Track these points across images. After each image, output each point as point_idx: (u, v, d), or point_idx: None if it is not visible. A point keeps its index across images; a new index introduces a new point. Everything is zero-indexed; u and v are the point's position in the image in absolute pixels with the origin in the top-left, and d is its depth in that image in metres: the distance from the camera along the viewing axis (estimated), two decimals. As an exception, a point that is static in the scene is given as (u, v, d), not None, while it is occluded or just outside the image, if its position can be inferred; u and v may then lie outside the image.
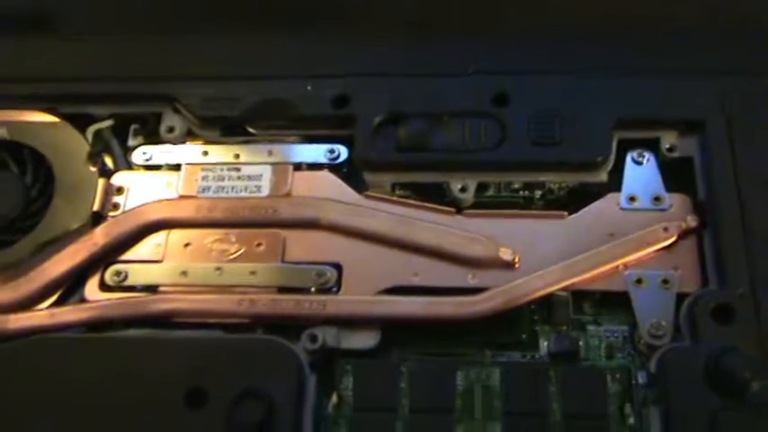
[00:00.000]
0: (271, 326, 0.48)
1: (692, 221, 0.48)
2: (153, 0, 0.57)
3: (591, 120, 0.50)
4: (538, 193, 0.52)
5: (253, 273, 0.49)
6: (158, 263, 0.50)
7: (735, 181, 0.47)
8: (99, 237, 0.51)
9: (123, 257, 0.51)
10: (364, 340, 0.47)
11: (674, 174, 0.50)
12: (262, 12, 0.56)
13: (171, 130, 0.55)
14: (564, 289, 0.47)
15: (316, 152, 0.53)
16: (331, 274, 0.49)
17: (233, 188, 0.52)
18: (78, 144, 0.54)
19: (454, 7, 0.55)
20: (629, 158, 0.51)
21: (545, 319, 0.48)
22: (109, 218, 0.52)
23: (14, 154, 0.55)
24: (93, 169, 0.53)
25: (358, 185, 0.52)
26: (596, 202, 0.50)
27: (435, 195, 0.51)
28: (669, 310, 0.46)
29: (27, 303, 0.50)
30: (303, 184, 0.52)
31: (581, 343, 0.47)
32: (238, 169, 0.53)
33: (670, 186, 0.50)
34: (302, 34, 0.55)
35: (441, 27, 0.55)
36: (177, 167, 0.53)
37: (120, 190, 0.53)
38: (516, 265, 0.48)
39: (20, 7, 0.57)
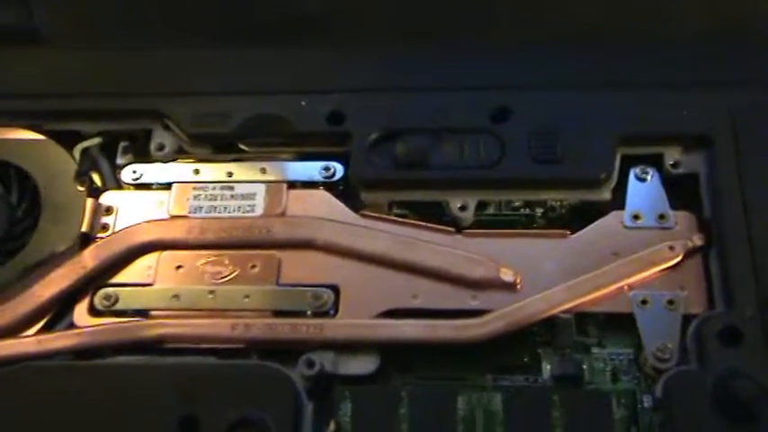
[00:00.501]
0: (266, 351, 0.47)
1: (697, 240, 0.47)
2: (142, 13, 0.56)
3: (593, 136, 0.49)
4: (539, 212, 0.51)
5: (247, 296, 0.48)
6: (149, 286, 0.49)
7: (742, 199, 0.46)
8: (88, 259, 0.49)
9: (113, 280, 0.50)
10: (363, 365, 0.46)
11: (679, 191, 0.49)
12: (255, 26, 0.55)
13: (161, 147, 0.53)
14: (567, 311, 0.46)
15: (310, 170, 0.52)
16: (328, 296, 0.48)
17: (225, 208, 0.51)
18: (65, 162, 0.53)
19: (451, 21, 0.54)
20: (632, 175, 0.50)
21: (548, 341, 0.47)
22: (98, 239, 0.51)
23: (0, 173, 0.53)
24: (80, 189, 0.52)
25: (354, 204, 0.51)
26: (599, 221, 0.49)
27: (434, 214, 0.50)
28: (675, 332, 0.45)
29: (13, 329, 0.48)
30: (298, 202, 0.51)
31: (585, 366, 0.46)
32: (231, 188, 0.52)
33: (675, 204, 0.49)
34: (296, 49, 0.54)
35: (438, 41, 0.54)
36: (168, 186, 0.52)
37: (108, 210, 0.52)
38: (518, 287, 0.47)
39: (3, 20, 0.56)
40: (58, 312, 0.49)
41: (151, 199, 0.52)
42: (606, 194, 0.49)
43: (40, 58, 0.55)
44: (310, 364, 0.46)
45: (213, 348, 0.47)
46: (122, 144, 0.54)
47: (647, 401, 0.44)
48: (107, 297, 0.49)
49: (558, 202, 0.50)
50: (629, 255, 0.47)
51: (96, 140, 0.54)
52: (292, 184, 0.51)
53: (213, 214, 0.51)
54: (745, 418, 0.41)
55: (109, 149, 0.54)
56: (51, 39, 0.56)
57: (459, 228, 0.50)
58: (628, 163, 0.50)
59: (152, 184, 0.53)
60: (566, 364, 0.46)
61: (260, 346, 0.47)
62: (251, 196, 0.51)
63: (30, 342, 0.48)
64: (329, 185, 0.51)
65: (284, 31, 0.54)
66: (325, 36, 0.55)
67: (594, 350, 0.47)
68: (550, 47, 0.52)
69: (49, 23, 0.55)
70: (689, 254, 0.47)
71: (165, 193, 0.52)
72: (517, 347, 0.47)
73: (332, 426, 0.45)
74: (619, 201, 0.49)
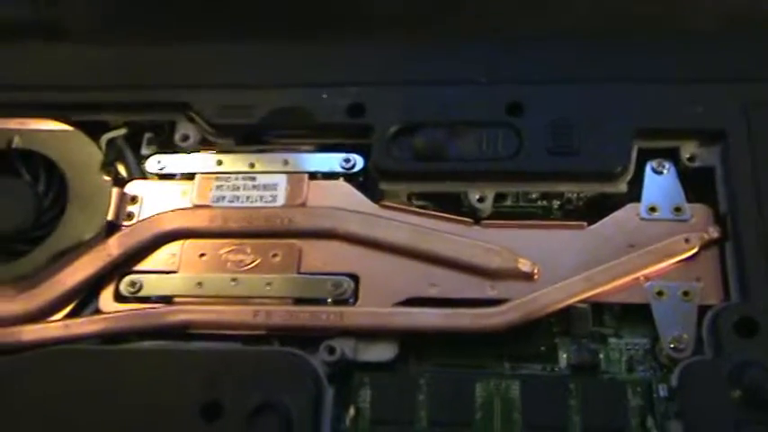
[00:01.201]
0: (287, 337, 0.48)
1: (713, 233, 0.47)
2: (167, 7, 0.57)
3: (609, 129, 0.50)
4: (556, 204, 0.51)
5: (269, 284, 0.49)
6: (173, 273, 0.50)
7: (757, 191, 0.47)
8: (113, 247, 0.50)
9: (138, 268, 0.50)
10: (382, 352, 0.47)
11: (695, 184, 0.50)
12: (277, 19, 0.55)
13: (185, 138, 0.54)
14: (584, 301, 0.47)
15: (331, 161, 0.53)
16: (348, 285, 0.49)
17: (248, 198, 0.52)
18: (92, 153, 0.54)
19: (469, 16, 0.54)
20: (648, 168, 0.50)
21: (565, 330, 0.48)
22: (123, 228, 0.52)
23: (27, 162, 0.54)
24: (106, 178, 0.53)
25: (374, 195, 0.52)
26: (616, 213, 0.49)
27: (452, 205, 0.51)
28: (691, 322, 0.46)
29: (41, 315, 0.49)
30: (319, 193, 0.52)
31: (601, 355, 0.47)
32: (253, 179, 0.52)
33: (691, 196, 0.49)
34: (317, 42, 0.55)
35: (456, 35, 0.54)
36: (191, 177, 0.53)
37: (134, 199, 0.53)
38: (535, 277, 0.48)
39: (32, 15, 0.57)
40: (84, 298, 0.50)
41: (175, 189, 0.53)
42: (623, 187, 0.50)
43: (68, 51, 0.56)
44: (331, 351, 0.46)
45: (236, 335, 0.48)
46: (147, 135, 0.55)
47: (662, 391, 0.45)
48: (132, 284, 0.50)
49: (575, 194, 0.51)
50: (645, 246, 0.47)
51: (122, 131, 0.55)
52: (313, 175, 0.52)
53: (236, 204, 0.52)
54: (761, 408, 0.42)
55: (134, 140, 0.55)
56: (79, 34, 0.57)
57: (477, 219, 0.50)
58: (644, 156, 0.50)
59: (176, 175, 0.53)
60: (582, 354, 0.47)
61: (281, 333, 0.48)
62: (273, 187, 0.52)
63: (57, 327, 0.49)
64: (349, 176, 0.52)
65: (306, 25, 0.55)
66: (345, 30, 0.55)
67: (611, 340, 0.47)
68: (567, 41, 0.53)
69: (77, 19, 0.56)
70: (705, 246, 0.47)
71: (188, 183, 0.53)
72: (534, 336, 0.47)
73: (351, 411, 0.45)
74: (635, 193, 0.50)
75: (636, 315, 0.47)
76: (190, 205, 0.52)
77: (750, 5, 0.53)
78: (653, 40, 0.52)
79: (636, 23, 0.53)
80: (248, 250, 0.50)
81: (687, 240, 0.47)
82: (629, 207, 0.49)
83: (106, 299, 0.50)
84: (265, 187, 0.52)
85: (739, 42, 0.52)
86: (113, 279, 0.50)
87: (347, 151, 0.53)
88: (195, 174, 0.53)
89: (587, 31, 0.53)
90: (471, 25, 0.55)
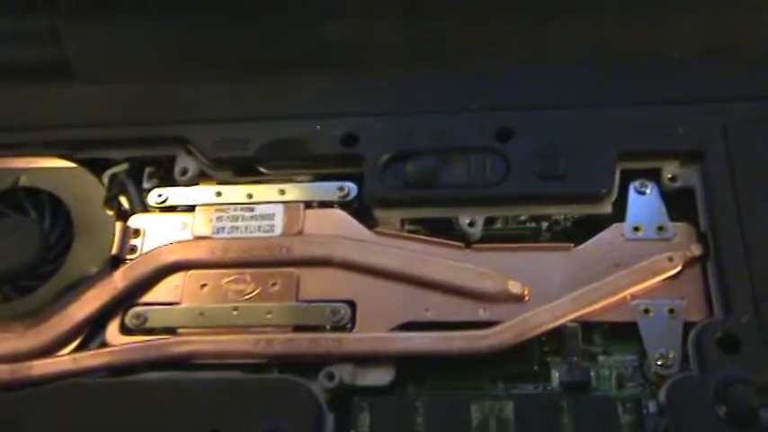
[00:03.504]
0: (287, 364, 0.49)
1: (695, 250, 0.49)
2: (165, 47, 0.58)
3: (593, 152, 0.51)
4: (544, 225, 0.53)
5: (269, 312, 0.50)
6: (176, 305, 0.52)
7: (736, 210, 0.48)
8: (118, 280, 0.52)
9: (142, 300, 0.52)
10: (380, 376, 0.48)
11: (678, 203, 0.51)
12: (271, 57, 0.57)
13: (184, 172, 0.56)
14: (573, 321, 0.48)
15: (326, 190, 0.54)
16: (345, 311, 0.50)
17: (246, 228, 0.54)
18: (95, 188, 0.55)
19: (457, 46, 0.56)
20: (631, 189, 0.51)
21: (556, 350, 0.49)
22: (127, 261, 0.53)
23: (33, 200, 0.56)
24: (110, 212, 0.55)
25: (368, 222, 0.53)
26: (601, 233, 0.51)
27: (444, 230, 0.52)
28: (677, 339, 0.47)
29: (50, 349, 0.51)
30: (315, 221, 0.53)
31: (592, 373, 0.48)
32: (251, 209, 0.54)
33: (674, 215, 0.51)
34: (310, 76, 0.56)
35: (444, 66, 0.56)
36: (192, 209, 0.55)
37: (137, 232, 0.54)
38: (526, 298, 0.49)
39: (37, 56, 0.59)
40: (91, 332, 0.52)
41: (176, 221, 0.54)
42: (607, 208, 0.51)
43: (71, 92, 0.58)
44: (330, 377, 0.48)
45: (238, 363, 0.49)
46: (148, 169, 0.57)
47: (651, 407, 0.46)
48: (137, 316, 0.51)
49: (562, 216, 0.52)
50: (630, 266, 0.49)
51: (123, 166, 0.56)
52: (309, 204, 0.54)
53: (235, 234, 0.53)
54: (746, 422, 0.43)
55: (135, 175, 0.57)
56: (81, 74, 0.58)
57: (468, 242, 0.51)
58: (627, 177, 0.52)
59: (176, 207, 0.55)
60: (573, 372, 0.48)
61: (282, 360, 0.49)
62: (270, 216, 0.54)
63: (66, 360, 0.50)
64: (344, 204, 0.54)
65: (298, 60, 0.56)
66: (337, 64, 0.57)
67: (600, 358, 0.49)
68: (551, 69, 0.54)
69: (80, 61, 0.58)
70: (688, 264, 0.49)
71: (189, 215, 0.54)
72: (526, 357, 0.49)
73: (352, 436, 0.47)
74: (619, 213, 0.51)
75: (624, 333, 0.48)
76: (191, 237, 0.54)
77: (727, 32, 0.54)
78: (633, 66, 0.54)
79: (618, 50, 0.55)
80: (248, 279, 0.52)
81: (671, 259, 0.49)
82: (615, 227, 0.51)
83: (113, 332, 0.51)
84: (263, 217, 0.54)
85: (716, 65, 0.53)
86: (119, 312, 0.52)
87: (341, 180, 0.54)
88: (195, 206, 0.55)
89: (571, 58, 0.55)
90: (458, 58, 0.56)
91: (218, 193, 0.55)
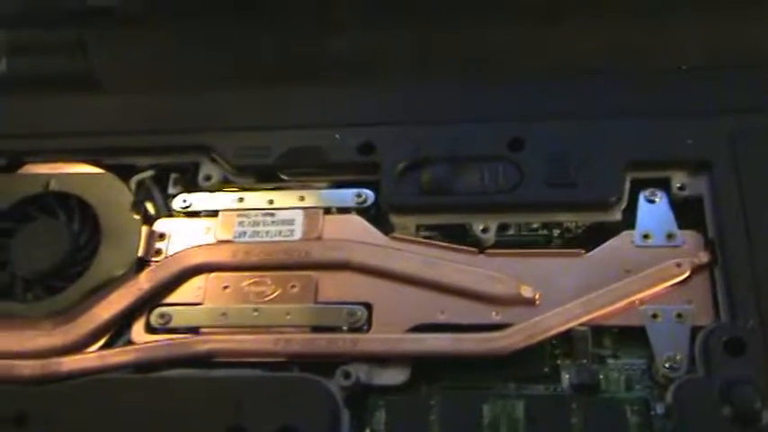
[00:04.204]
0: (306, 364, 0.50)
1: (703, 257, 0.50)
2: (189, 58, 0.61)
3: (604, 161, 0.53)
4: (556, 232, 0.54)
5: (288, 313, 0.52)
6: (199, 305, 0.53)
7: (743, 218, 0.49)
8: (144, 282, 0.54)
9: (167, 300, 0.54)
10: (395, 376, 0.49)
11: (686, 211, 0.52)
12: (291, 67, 0.59)
13: (208, 178, 0.58)
14: (583, 324, 0.49)
15: (344, 197, 0.56)
16: (361, 313, 0.51)
17: (267, 232, 0.55)
18: (122, 193, 0.57)
19: (471, 58, 0.58)
20: (641, 198, 0.53)
21: (566, 353, 0.50)
22: (152, 263, 0.55)
23: (63, 204, 0.58)
24: (136, 217, 0.56)
25: (385, 227, 0.54)
26: (611, 240, 0.52)
27: (458, 236, 0.54)
28: (684, 343, 0.48)
29: (78, 347, 0.53)
30: (333, 227, 0.55)
31: (601, 376, 0.49)
32: (272, 214, 0.56)
33: (683, 223, 0.52)
34: (329, 86, 0.58)
35: (458, 77, 0.58)
36: (215, 214, 0.56)
37: (162, 236, 0.56)
38: (537, 302, 0.50)
39: (66, 67, 0.61)
40: (117, 330, 0.53)
41: (199, 225, 0.56)
42: (617, 216, 0.52)
43: (99, 101, 0.60)
44: (347, 376, 0.49)
45: (258, 362, 0.51)
46: (173, 176, 0.58)
47: (659, 409, 0.47)
48: (162, 316, 0.53)
49: (574, 224, 0.53)
50: (640, 272, 0.50)
51: (150, 173, 0.58)
52: (328, 210, 0.55)
53: (256, 239, 0.55)
54: (750, 423, 0.44)
55: (161, 181, 0.58)
56: (109, 84, 0.61)
57: (481, 248, 0.53)
58: (637, 186, 0.53)
59: (200, 212, 0.57)
60: (583, 374, 0.49)
61: (300, 360, 0.50)
62: (290, 221, 0.55)
63: (92, 358, 0.52)
64: (361, 210, 0.55)
65: (318, 71, 0.58)
66: (355, 74, 0.59)
67: (609, 361, 0.50)
68: (564, 80, 0.56)
69: (107, 70, 0.60)
70: (696, 270, 0.50)
71: (212, 220, 0.56)
72: (537, 359, 0.50)
73: (367, 433, 0.48)
74: (629, 221, 0.52)
75: (632, 337, 0.49)
76: (214, 241, 0.55)
77: (733, 44, 0.56)
78: (643, 76, 0.55)
79: (628, 61, 0.56)
80: (268, 282, 0.53)
81: (679, 265, 0.50)
82: (624, 234, 0.52)
83: (138, 330, 0.53)
84: (283, 222, 0.55)
85: (725, 76, 0.54)
86: (144, 312, 0.53)
87: (359, 187, 0.56)
88: (218, 211, 0.56)
89: (583, 69, 0.56)
90: (473, 68, 0.58)
91: (241, 199, 0.57)
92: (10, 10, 0.62)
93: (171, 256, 0.55)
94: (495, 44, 0.58)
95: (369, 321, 0.51)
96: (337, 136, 0.56)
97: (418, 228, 0.54)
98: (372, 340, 0.50)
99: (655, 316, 0.49)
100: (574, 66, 0.57)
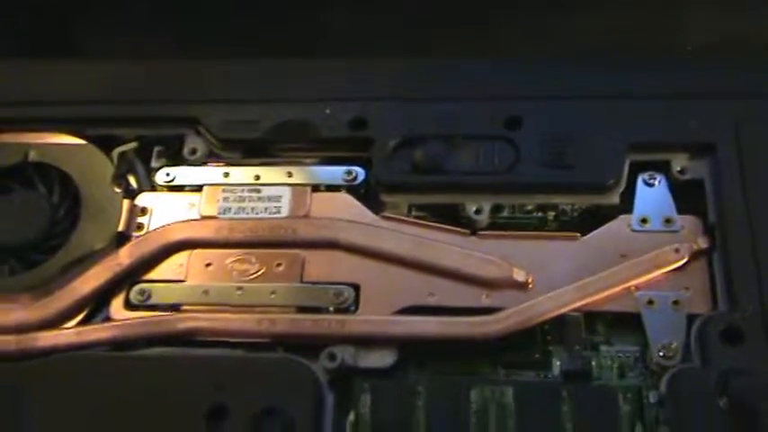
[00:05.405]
0: (290, 345, 0.49)
1: (702, 243, 0.49)
2: (176, 26, 0.59)
3: (602, 143, 0.51)
4: (551, 215, 0.53)
5: (273, 293, 0.51)
6: (181, 282, 0.52)
7: (745, 204, 0.48)
8: (124, 257, 0.52)
9: (147, 277, 0.52)
10: (381, 359, 0.48)
11: (686, 196, 0.51)
12: (282, 38, 0.57)
13: (193, 151, 0.56)
14: (576, 310, 0.48)
15: (334, 174, 0.54)
16: (349, 294, 0.50)
17: (253, 209, 0.54)
18: (104, 165, 0.56)
19: (468, 33, 0.56)
20: (640, 181, 0.51)
21: (558, 339, 0.49)
22: (133, 238, 0.53)
23: (42, 175, 0.56)
24: (117, 190, 0.55)
25: (375, 206, 0.53)
26: (608, 224, 0.51)
27: (451, 216, 0.52)
28: (680, 331, 0.47)
29: (55, 322, 0.51)
30: (321, 205, 0.53)
31: (593, 363, 0.48)
32: (258, 191, 0.54)
33: (681, 208, 0.51)
34: (320, 60, 0.57)
35: (454, 52, 0.56)
36: (199, 188, 0.55)
37: (143, 210, 0.55)
38: (530, 286, 0.49)
39: (46, 31, 0.59)
40: (95, 306, 0.52)
41: (183, 200, 0.55)
42: (615, 199, 0.51)
43: (81, 68, 0.58)
44: (332, 358, 0.48)
45: (240, 342, 0.49)
46: (157, 148, 0.57)
47: (652, 397, 0.46)
48: (141, 292, 0.52)
49: (569, 206, 0.52)
50: (636, 257, 0.49)
51: (132, 145, 0.56)
52: (316, 188, 0.54)
53: (241, 215, 0.53)
54: (747, 415, 0.43)
55: (144, 153, 0.57)
56: (91, 50, 0.59)
57: (474, 229, 0.51)
58: (636, 169, 0.52)
59: (184, 187, 0.55)
60: (575, 361, 0.48)
61: (284, 340, 0.49)
62: (277, 198, 0.54)
63: (69, 333, 0.51)
64: (351, 188, 0.54)
65: (309, 43, 0.57)
66: (348, 48, 0.57)
67: (602, 348, 0.49)
68: (563, 59, 0.55)
69: (90, 36, 0.58)
70: (694, 256, 0.49)
71: (196, 194, 0.55)
72: (528, 344, 0.49)
73: (351, 416, 0.47)
74: (627, 205, 0.51)
75: (627, 323, 0.48)
76: (197, 216, 0.54)
77: (737, 27, 0.54)
78: (645, 58, 0.54)
79: (630, 43, 0.55)
80: (253, 260, 0.52)
81: (677, 251, 0.49)
82: (621, 218, 0.51)
83: (117, 307, 0.51)
84: (270, 199, 0.54)
85: (729, 60, 0.53)
86: (123, 288, 0.52)
87: (349, 164, 0.54)
88: (203, 186, 0.55)
89: (583, 48, 0.55)
90: (470, 45, 0.56)
91: (226, 174, 0.55)
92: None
93: (153, 231, 0.53)
94: (496, 21, 0.56)
95: (356, 302, 0.50)
96: (328, 111, 0.55)
97: (410, 207, 0.53)
98: (359, 322, 0.49)
99: (650, 302, 0.48)
100: (575, 44, 0.55)
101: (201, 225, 0.53)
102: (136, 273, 0.52)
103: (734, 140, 0.50)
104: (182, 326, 0.50)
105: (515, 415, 0.46)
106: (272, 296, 0.51)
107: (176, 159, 0.56)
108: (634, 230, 0.50)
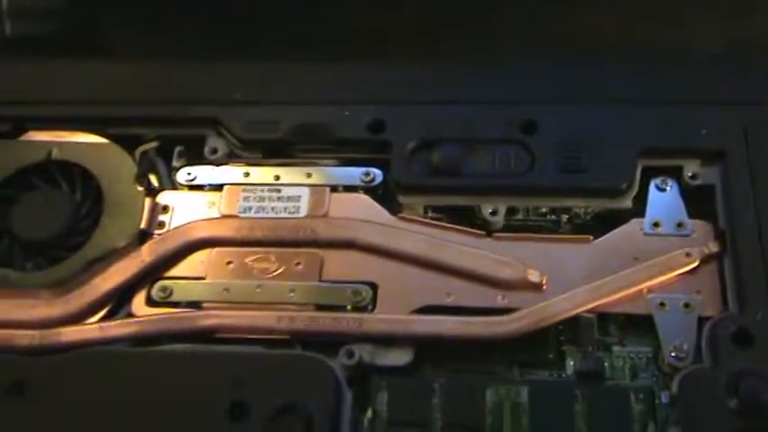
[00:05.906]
0: (308, 342, 0.50)
1: (713, 247, 0.50)
2: (198, 27, 0.60)
3: (616, 148, 0.52)
4: (565, 218, 0.53)
5: (292, 291, 0.51)
6: (202, 280, 0.53)
7: (755, 209, 0.49)
8: (146, 254, 0.53)
9: (168, 274, 0.53)
10: (398, 357, 0.49)
11: (697, 200, 0.52)
12: (302, 42, 0.58)
13: (214, 151, 0.57)
14: (590, 311, 0.49)
15: (352, 175, 0.55)
16: (366, 293, 0.51)
17: (273, 208, 0.55)
18: (126, 164, 0.56)
19: (484, 39, 0.57)
20: (652, 185, 0.52)
21: (571, 339, 0.50)
22: (155, 236, 0.54)
23: (65, 173, 0.57)
24: (140, 189, 0.55)
25: (392, 207, 0.54)
26: (621, 228, 0.51)
27: (466, 218, 0.53)
28: (691, 332, 0.48)
29: (78, 317, 0.52)
30: (340, 205, 0.54)
31: (606, 363, 0.49)
32: (278, 190, 0.55)
33: (693, 212, 0.52)
34: (340, 63, 0.57)
35: (472, 57, 0.57)
36: (219, 188, 0.56)
37: (165, 209, 0.55)
38: (544, 287, 0.50)
39: (71, 32, 0.60)
40: (118, 303, 0.52)
41: (204, 199, 0.55)
42: (627, 203, 0.52)
43: (105, 68, 0.59)
44: (350, 355, 0.49)
45: (260, 339, 0.50)
46: (178, 148, 0.57)
47: (664, 398, 0.47)
48: (163, 289, 0.52)
49: (583, 210, 0.53)
50: (648, 260, 0.50)
51: (154, 144, 0.57)
52: (335, 188, 0.55)
53: (261, 214, 0.54)
54: (758, 416, 0.44)
55: (166, 153, 0.57)
56: (115, 51, 0.60)
57: (489, 231, 0.52)
58: (649, 174, 0.52)
59: (205, 186, 0.56)
60: (588, 361, 0.49)
61: (303, 338, 0.50)
62: (296, 198, 0.55)
63: (92, 329, 0.51)
64: (369, 189, 0.55)
65: (329, 46, 0.57)
66: (368, 51, 0.58)
67: (615, 348, 0.49)
68: (577, 64, 0.55)
69: (114, 36, 0.59)
70: (705, 260, 0.49)
71: (216, 194, 0.55)
72: (543, 344, 0.49)
73: (369, 413, 0.48)
74: (639, 209, 0.52)
75: (639, 325, 0.49)
76: (218, 215, 0.55)
77: (749, 34, 0.55)
78: (658, 64, 0.55)
79: (642, 49, 0.56)
80: (273, 259, 0.53)
81: (688, 254, 0.49)
82: (634, 222, 0.52)
83: (139, 303, 0.52)
84: (289, 199, 0.55)
85: (740, 66, 0.54)
86: (145, 285, 0.52)
87: (367, 165, 0.55)
88: (223, 185, 0.56)
89: (596, 56, 0.56)
90: (486, 49, 0.57)
91: (247, 174, 0.56)
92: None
93: (174, 229, 0.54)
94: (512, 25, 0.57)
95: (374, 301, 0.51)
96: (347, 113, 0.56)
97: (426, 209, 0.54)
98: (377, 321, 0.50)
99: (662, 305, 0.49)
100: (590, 50, 0.56)
101: (222, 224, 0.54)
102: (157, 270, 0.53)
103: (744, 146, 0.51)
104: (202, 323, 0.51)
105: (529, 414, 0.47)
106: (291, 294, 0.51)
107: (197, 159, 0.57)
108: (646, 234, 0.51)
